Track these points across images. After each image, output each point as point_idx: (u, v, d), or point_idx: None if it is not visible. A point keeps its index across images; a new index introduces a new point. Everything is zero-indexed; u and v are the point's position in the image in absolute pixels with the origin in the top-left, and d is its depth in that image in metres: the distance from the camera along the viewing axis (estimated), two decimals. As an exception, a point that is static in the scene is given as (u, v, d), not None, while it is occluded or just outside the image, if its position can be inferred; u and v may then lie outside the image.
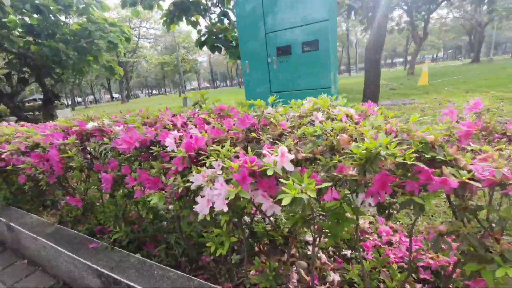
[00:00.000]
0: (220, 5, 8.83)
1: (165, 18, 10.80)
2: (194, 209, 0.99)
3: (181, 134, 1.30)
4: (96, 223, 2.21)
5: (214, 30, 10.37)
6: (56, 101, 10.06)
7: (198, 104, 1.59)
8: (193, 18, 10.51)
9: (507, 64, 18.39)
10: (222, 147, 1.02)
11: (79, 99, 49.14)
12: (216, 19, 9.21)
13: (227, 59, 11.90)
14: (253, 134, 1.11)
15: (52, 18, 9.13)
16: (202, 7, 9.87)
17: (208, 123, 1.42)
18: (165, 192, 1.20)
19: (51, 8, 8.40)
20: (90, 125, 1.73)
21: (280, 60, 2.88)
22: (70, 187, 2.37)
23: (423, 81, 8.85)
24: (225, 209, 0.89)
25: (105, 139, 1.55)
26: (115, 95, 62.95)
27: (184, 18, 9.95)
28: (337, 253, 1.46)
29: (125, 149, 1.33)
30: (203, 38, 9.95)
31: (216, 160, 1.02)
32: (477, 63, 21.39)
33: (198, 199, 0.99)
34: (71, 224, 2.22)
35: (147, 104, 21.61)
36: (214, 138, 1.19)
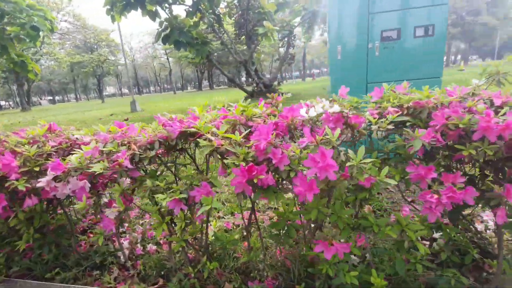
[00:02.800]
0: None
1: (109, 7, 8.97)
2: None
3: None
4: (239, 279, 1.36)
5: (176, 24, 9.18)
6: None
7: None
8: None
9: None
10: None
11: None
12: (187, 11, 8.13)
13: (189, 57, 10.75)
14: None
15: None
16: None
17: None
18: None
19: None
20: (320, 109, 1.02)
21: (384, 45, 2.50)
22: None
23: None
24: None
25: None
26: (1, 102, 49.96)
27: (139, 8, 8.41)
28: None
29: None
30: (164, 33, 8.62)
31: None
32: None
33: None
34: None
35: (62, 112, 17.67)
36: None
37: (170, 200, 0.93)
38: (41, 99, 60.33)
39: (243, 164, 0.85)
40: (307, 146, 0.84)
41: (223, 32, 9.03)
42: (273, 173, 0.91)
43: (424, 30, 2.39)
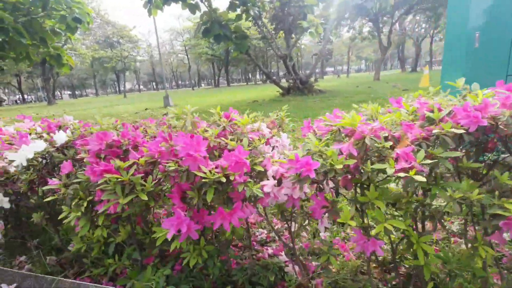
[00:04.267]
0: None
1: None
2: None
3: None
4: None
5: (215, 17, 8.96)
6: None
7: None
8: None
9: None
10: None
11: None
12: (231, 3, 7.89)
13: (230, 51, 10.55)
14: None
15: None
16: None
17: None
18: None
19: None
20: None
21: (537, 29, 2.17)
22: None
23: (425, 83, 9.41)
24: None
25: None
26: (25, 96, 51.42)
27: (179, 0, 8.23)
28: None
29: None
30: (204, 26, 8.41)
31: None
32: (416, 72, 24.52)
33: None
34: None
35: (89, 106, 17.88)
36: None
37: None
38: (61, 93, 61.86)
39: None
40: None
41: (263, 26, 8.74)
42: None
43: None
